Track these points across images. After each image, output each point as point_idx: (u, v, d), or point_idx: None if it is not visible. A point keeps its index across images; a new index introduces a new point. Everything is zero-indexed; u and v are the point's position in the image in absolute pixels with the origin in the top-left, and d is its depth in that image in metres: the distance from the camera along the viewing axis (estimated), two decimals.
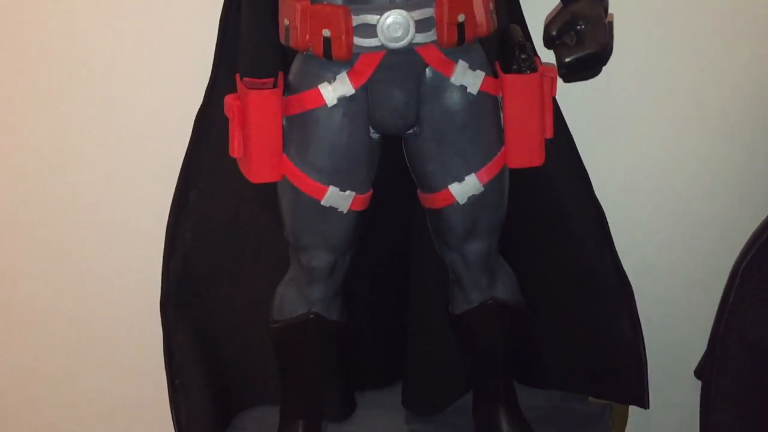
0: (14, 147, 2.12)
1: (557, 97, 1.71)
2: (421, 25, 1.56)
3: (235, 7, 1.77)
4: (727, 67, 1.99)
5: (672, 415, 2.14)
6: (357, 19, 1.55)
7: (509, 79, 1.64)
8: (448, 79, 1.61)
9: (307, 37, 1.58)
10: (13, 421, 2.29)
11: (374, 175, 1.68)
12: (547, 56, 1.67)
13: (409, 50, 1.58)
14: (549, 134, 1.68)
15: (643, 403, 1.91)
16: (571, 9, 1.59)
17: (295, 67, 1.66)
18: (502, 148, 1.66)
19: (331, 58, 1.57)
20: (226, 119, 1.65)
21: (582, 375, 1.95)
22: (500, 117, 1.66)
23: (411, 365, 1.94)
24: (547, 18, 1.63)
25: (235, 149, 1.64)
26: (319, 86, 1.60)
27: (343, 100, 1.60)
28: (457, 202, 1.67)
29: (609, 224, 1.88)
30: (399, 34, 1.55)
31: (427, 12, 1.56)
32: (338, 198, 1.65)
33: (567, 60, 1.58)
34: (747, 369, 1.72)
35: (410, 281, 1.91)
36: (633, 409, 1.97)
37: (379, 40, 1.56)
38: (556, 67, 1.61)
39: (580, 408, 1.97)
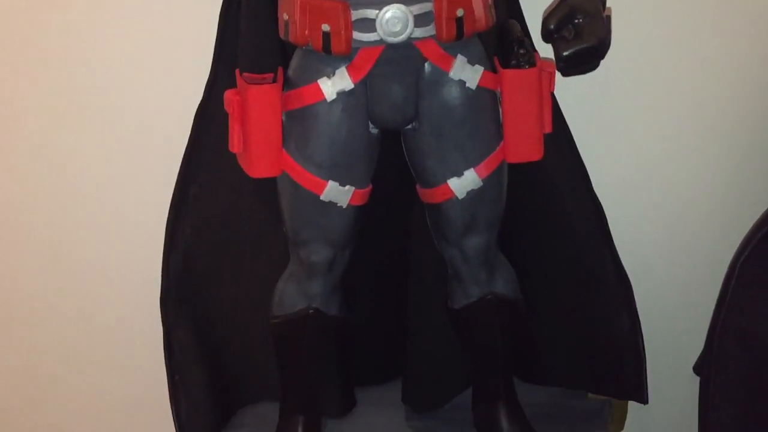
0: (13, 139, 2.12)
1: (556, 94, 1.71)
2: (419, 20, 1.57)
3: (235, 3, 1.77)
4: (726, 63, 1.99)
5: (671, 410, 2.14)
6: (356, 14, 1.56)
7: (508, 73, 1.64)
8: (447, 73, 1.62)
9: (307, 31, 1.58)
10: (14, 416, 2.29)
11: (373, 170, 1.68)
12: (545, 51, 1.67)
13: (408, 45, 1.58)
14: (548, 129, 1.68)
15: (642, 398, 1.91)
16: (569, 2, 1.60)
17: (294, 62, 1.66)
18: (501, 143, 1.67)
19: (330, 53, 1.58)
20: (226, 115, 1.65)
21: (581, 371, 1.95)
22: (499, 112, 1.66)
23: (410, 361, 1.94)
24: (545, 12, 1.63)
25: (235, 144, 1.64)
26: (319, 81, 1.61)
27: (342, 95, 1.61)
28: (456, 197, 1.67)
29: (608, 220, 1.88)
30: (398, 28, 1.56)
31: (426, 6, 1.56)
32: (338, 193, 1.65)
33: (565, 54, 1.59)
34: (745, 366, 1.71)
35: (409, 276, 1.90)
36: (632, 405, 1.96)
37: (378, 34, 1.56)
38: (554, 61, 1.61)
39: (580, 404, 1.96)
